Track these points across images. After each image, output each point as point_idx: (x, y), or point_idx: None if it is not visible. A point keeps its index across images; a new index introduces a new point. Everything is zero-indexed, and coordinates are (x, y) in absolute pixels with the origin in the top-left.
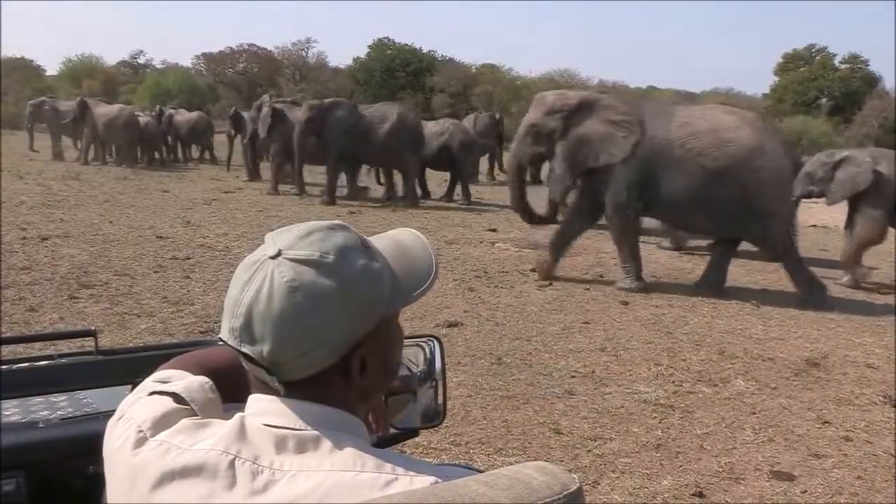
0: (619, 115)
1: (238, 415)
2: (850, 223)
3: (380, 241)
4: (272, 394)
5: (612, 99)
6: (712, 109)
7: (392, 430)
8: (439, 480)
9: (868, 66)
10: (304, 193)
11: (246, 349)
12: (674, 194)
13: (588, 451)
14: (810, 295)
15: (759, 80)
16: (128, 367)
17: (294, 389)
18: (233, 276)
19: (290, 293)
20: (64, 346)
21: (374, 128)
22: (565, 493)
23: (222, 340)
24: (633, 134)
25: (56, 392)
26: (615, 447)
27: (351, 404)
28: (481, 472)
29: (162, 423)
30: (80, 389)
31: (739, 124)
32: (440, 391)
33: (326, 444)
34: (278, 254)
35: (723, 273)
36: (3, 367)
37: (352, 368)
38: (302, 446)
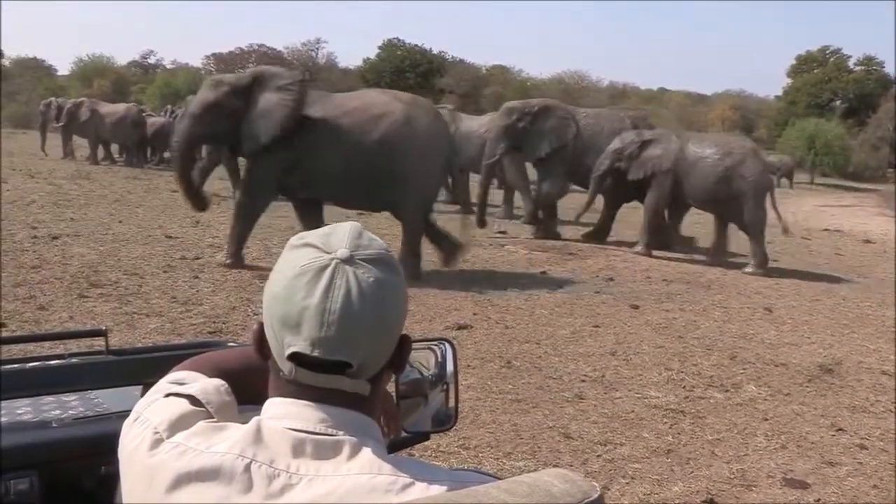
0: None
1: (255, 418)
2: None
3: None
4: (300, 398)
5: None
6: (368, 91)
7: (403, 434)
8: (455, 486)
9: (883, 68)
10: None
11: (341, 357)
12: (327, 170)
13: (598, 456)
14: (410, 267)
15: (771, 82)
16: (138, 368)
17: (318, 391)
18: (285, 286)
19: (379, 292)
20: (73, 346)
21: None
22: (586, 501)
23: (294, 356)
24: (293, 112)
25: (67, 392)
26: (625, 452)
27: (372, 406)
28: (497, 478)
29: (178, 425)
30: (90, 389)
31: (389, 101)
32: (451, 395)
33: (344, 448)
34: (351, 257)
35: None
36: (16, 365)
37: (402, 360)
38: (319, 450)
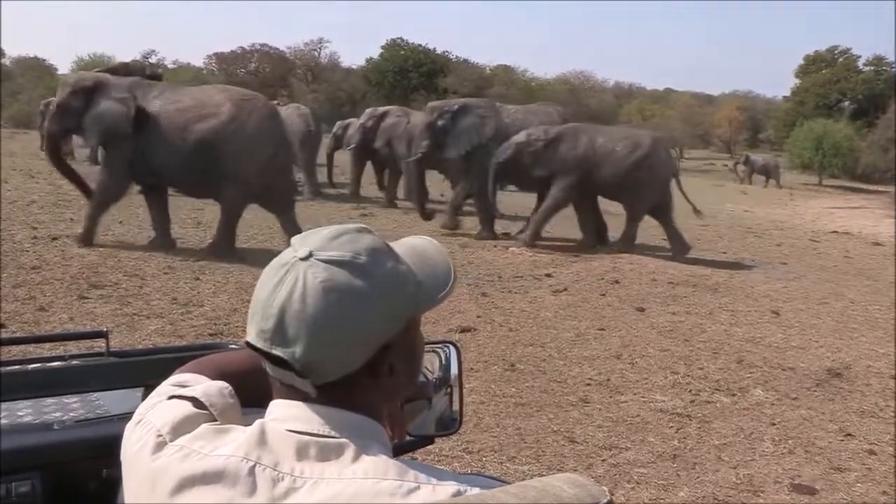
0: (119, 92)
1: (258, 420)
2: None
3: (398, 248)
4: (297, 398)
5: (115, 79)
6: (206, 88)
7: (407, 438)
8: (462, 490)
9: (893, 68)
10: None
11: (278, 352)
12: (166, 163)
13: (603, 460)
14: (219, 248)
15: (779, 83)
16: (139, 370)
17: (321, 393)
18: (259, 279)
19: (324, 294)
20: (74, 347)
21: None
22: None
23: (248, 344)
24: (130, 108)
25: (68, 393)
26: (630, 457)
27: (374, 409)
28: (503, 482)
29: (181, 427)
30: (91, 391)
31: (221, 100)
32: (455, 398)
33: (349, 451)
34: (309, 255)
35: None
36: (16, 367)
37: (381, 370)
38: (324, 453)
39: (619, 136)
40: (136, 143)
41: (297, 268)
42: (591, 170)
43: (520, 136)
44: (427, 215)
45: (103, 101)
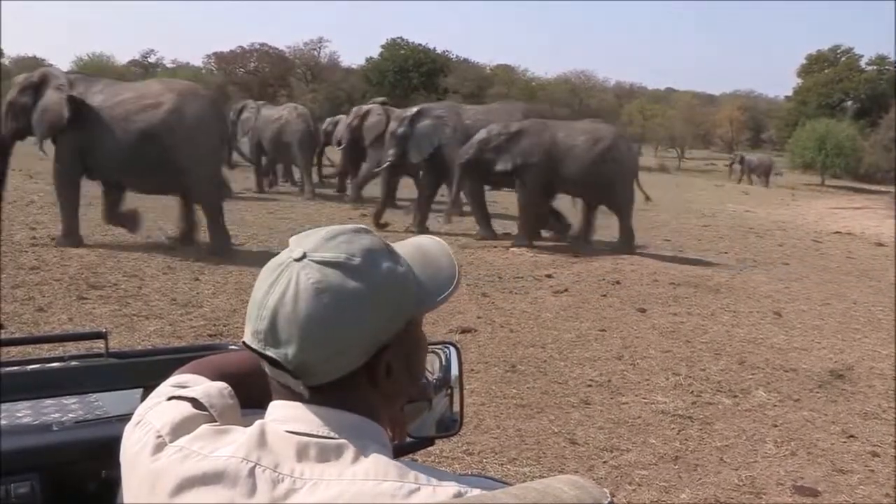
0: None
1: (258, 421)
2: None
3: (402, 248)
4: (295, 399)
5: (57, 70)
6: (148, 82)
7: (407, 439)
8: (462, 491)
9: None
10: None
11: (271, 352)
12: (111, 157)
13: (604, 462)
14: (218, 245)
15: (781, 83)
16: (139, 371)
17: (319, 394)
18: (256, 280)
19: (316, 295)
20: (73, 348)
21: None
22: None
23: (245, 344)
24: (64, 97)
25: (67, 394)
26: (632, 459)
27: (374, 411)
28: (504, 483)
29: (181, 428)
30: (90, 392)
31: (161, 92)
32: (456, 399)
33: (349, 452)
34: (303, 256)
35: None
36: (15, 368)
37: (378, 372)
38: (324, 454)
39: (580, 130)
40: (80, 139)
41: (291, 268)
42: (555, 164)
43: (481, 133)
44: (380, 223)
45: (46, 93)
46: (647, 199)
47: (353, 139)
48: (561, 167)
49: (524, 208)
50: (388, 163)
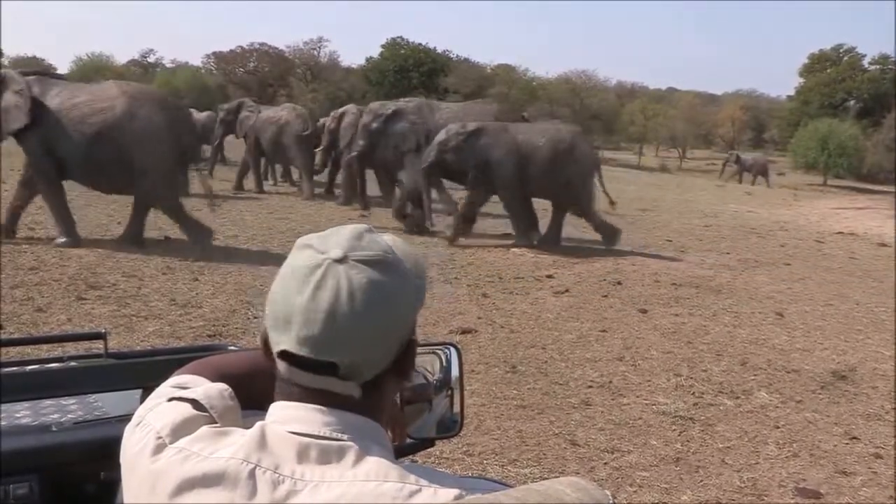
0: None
1: (259, 423)
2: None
3: None
4: (325, 403)
5: (15, 73)
6: (104, 84)
7: (407, 440)
8: (463, 493)
9: None
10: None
11: (326, 357)
12: (70, 158)
13: (605, 463)
14: (196, 241)
15: (784, 82)
16: (138, 371)
17: (320, 394)
18: (281, 286)
19: (370, 294)
20: (72, 348)
21: None
22: None
23: (283, 354)
24: (25, 99)
25: (66, 395)
26: (633, 460)
27: (374, 410)
28: (504, 485)
29: (181, 429)
30: (90, 392)
31: (116, 95)
32: (456, 400)
33: (350, 453)
34: (344, 257)
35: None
36: (14, 368)
37: (407, 367)
38: (325, 455)
39: (540, 131)
40: (42, 140)
41: (334, 270)
42: (517, 164)
43: (440, 136)
44: (366, 205)
45: (4, 96)
46: (612, 203)
47: (331, 140)
48: (522, 170)
49: (509, 210)
50: (355, 153)
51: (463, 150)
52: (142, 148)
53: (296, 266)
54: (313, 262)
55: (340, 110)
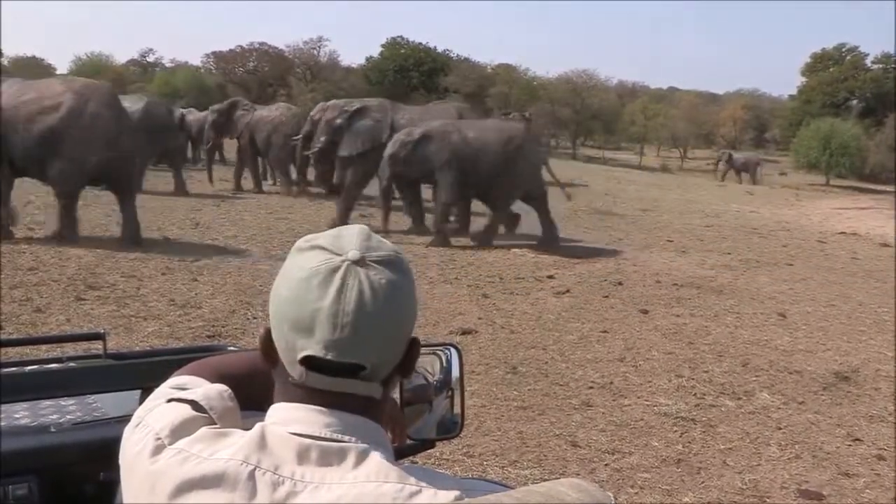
0: None
1: (258, 424)
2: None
3: None
4: (336, 405)
5: None
6: (51, 81)
7: (407, 441)
8: (463, 494)
9: None
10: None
11: (352, 359)
12: (21, 155)
13: (606, 465)
14: (62, 234)
15: (786, 81)
16: (137, 372)
17: (321, 395)
18: (296, 290)
19: (390, 293)
20: (71, 349)
21: None
22: None
23: (307, 359)
24: None
25: (65, 396)
26: (634, 461)
27: (375, 410)
28: (505, 486)
29: (180, 430)
30: (89, 393)
31: (61, 92)
32: (456, 401)
33: (350, 454)
34: (362, 258)
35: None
36: (13, 368)
37: (412, 365)
38: (325, 457)
39: (489, 129)
40: None
41: (354, 272)
42: (466, 164)
43: (388, 149)
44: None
45: None
46: (569, 198)
47: (309, 131)
48: (472, 167)
49: (440, 208)
50: (316, 148)
51: (411, 161)
52: (75, 138)
53: (309, 268)
54: (331, 264)
55: (325, 105)
